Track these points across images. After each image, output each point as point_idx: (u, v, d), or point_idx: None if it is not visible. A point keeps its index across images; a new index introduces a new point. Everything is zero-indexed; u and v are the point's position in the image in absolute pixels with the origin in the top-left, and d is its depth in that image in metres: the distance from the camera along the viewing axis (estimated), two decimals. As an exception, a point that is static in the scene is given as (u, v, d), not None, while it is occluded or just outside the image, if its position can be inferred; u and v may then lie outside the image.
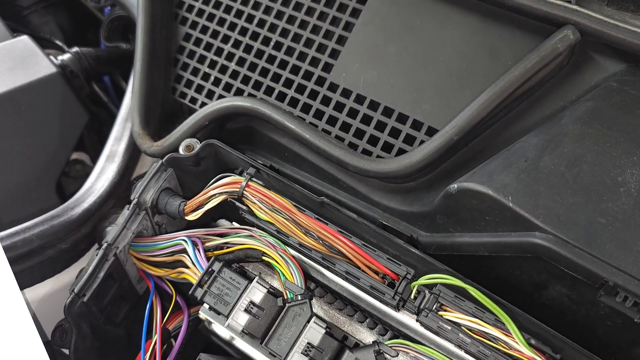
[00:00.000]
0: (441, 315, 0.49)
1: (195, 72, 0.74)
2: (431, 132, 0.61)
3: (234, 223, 0.61)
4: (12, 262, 0.51)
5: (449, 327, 0.48)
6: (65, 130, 0.82)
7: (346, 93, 0.65)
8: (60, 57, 0.91)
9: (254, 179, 0.55)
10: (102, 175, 0.68)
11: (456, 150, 0.59)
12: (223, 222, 0.62)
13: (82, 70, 0.92)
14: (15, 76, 0.81)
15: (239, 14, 0.73)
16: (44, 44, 0.94)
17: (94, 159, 0.89)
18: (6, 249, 0.50)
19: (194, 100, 0.73)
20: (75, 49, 0.94)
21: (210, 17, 0.74)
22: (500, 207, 0.51)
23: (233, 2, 0.73)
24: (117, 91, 1.08)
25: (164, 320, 0.56)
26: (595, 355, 0.50)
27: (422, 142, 0.60)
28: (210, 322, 0.56)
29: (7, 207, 0.69)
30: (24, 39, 0.87)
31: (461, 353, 0.49)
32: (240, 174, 0.57)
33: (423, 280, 0.49)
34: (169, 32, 0.75)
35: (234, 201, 0.55)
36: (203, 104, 0.72)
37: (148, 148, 0.68)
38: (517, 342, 0.46)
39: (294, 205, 0.53)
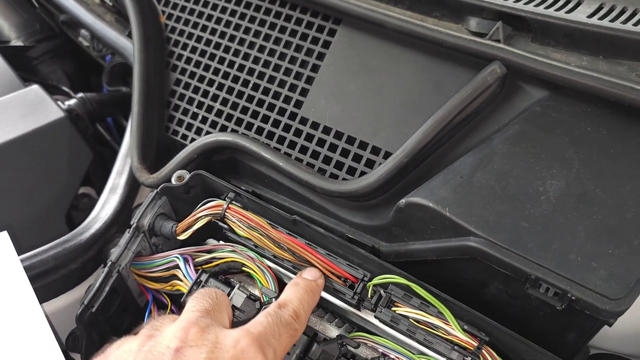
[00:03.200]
0: (393, 311, 0.58)
1: (185, 112, 0.84)
2: (388, 156, 0.70)
3: (220, 241, 0.70)
4: (32, 280, 0.60)
5: (400, 320, 0.57)
6: (72, 168, 0.90)
7: (315, 125, 0.75)
8: (67, 102, 1.01)
9: (234, 202, 0.64)
10: (106, 205, 0.78)
11: (408, 171, 0.68)
12: (211, 240, 0.71)
13: (87, 113, 1.01)
14: (28, 121, 0.90)
15: (221, 61, 0.83)
16: (52, 90, 1.04)
17: (99, 192, 0.98)
18: (26, 269, 0.59)
19: (184, 136, 0.83)
20: (80, 94, 1.04)
21: (197, 64, 0.85)
22: (440, 217, 0.60)
23: (216, 50, 0.84)
24: (119, 130, 1.18)
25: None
26: (536, 344, 0.58)
27: (380, 165, 0.70)
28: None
29: (24, 235, 0.78)
30: (35, 88, 0.97)
31: (410, 341, 0.58)
32: (223, 199, 0.67)
33: (376, 280, 0.58)
34: (161, 78, 0.86)
35: (217, 221, 0.64)
36: (192, 140, 0.82)
37: (145, 180, 0.78)
38: (453, 329, 0.54)
39: (268, 223, 0.63)
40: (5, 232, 0.62)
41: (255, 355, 0.46)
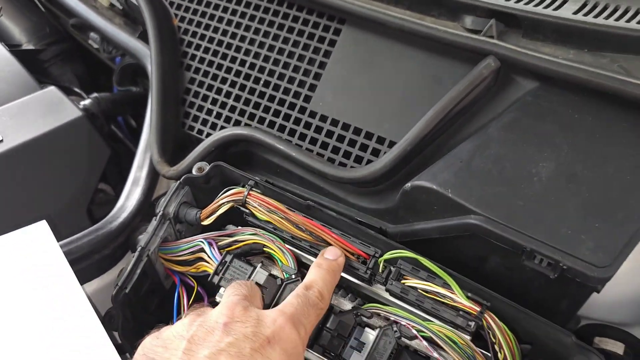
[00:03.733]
0: (403, 283, 0.64)
1: (200, 109, 0.90)
2: (392, 145, 0.75)
3: (238, 227, 0.76)
4: (71, 264, 0.65)
5: (409, 291, 0.63)
6: (92, 164, 0.95)
7: (323, 118, 0.81)
8: (82, 102, 1.06)
9: (254, 189, 0.70)
10: (131, 196, 0.83)
11: (411, 158, 0.74)
12: (230, 226, 0.76)
13: (101, 112, 1.05)
14: (48, 121, 0.94)
15: (233, 60, 0.89)
16: (66, 91, 1.07)
17: (114, 187, 1.03)
18: (66, 254, 0.65)
19: (200, 131, 0.89)
20: (94, 94, 1.09)
21: (210, 63, 0.90)
22: (443, 198, 0.66)
23: (227, 50, 0.89)
24: (129, 128, 1.23)
25: (190, 305, 0.71)
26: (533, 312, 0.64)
27: (385, 153, 0.76)
28: (225, 305, 0.70)
29: (52, 227, 0.84)
30: (52, 89, 1.01)
31: (419, 311, 0.63)
32: (242, 187, 0.73)
33: (387, 255, 0.64)
34: (176, 78, 0.91)
35: (239, 207, 0.70)
36: (208, 134, 0.88)
37: (166, 172, 0.83)
38: (458, 297, 0.60)
39: (286, 207, 0.68)
40: (44, 221, 0.67)
41: (291, 331, 0.52)
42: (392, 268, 0.65)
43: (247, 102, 0.86)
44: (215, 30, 0.91)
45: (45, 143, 0.92)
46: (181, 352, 0.50)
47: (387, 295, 0.66)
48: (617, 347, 0.78)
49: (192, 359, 0.49)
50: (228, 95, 0.88)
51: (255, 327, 0.51)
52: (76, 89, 1.18)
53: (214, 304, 0.71)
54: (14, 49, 1.21)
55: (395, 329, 0.62)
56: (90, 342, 0.59)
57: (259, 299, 0.60)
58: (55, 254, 0.64)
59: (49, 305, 0.61)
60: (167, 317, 0.71)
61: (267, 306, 0.65)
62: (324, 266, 0.62)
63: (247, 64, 0.87)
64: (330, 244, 0.66)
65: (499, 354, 0.60)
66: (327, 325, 0.64)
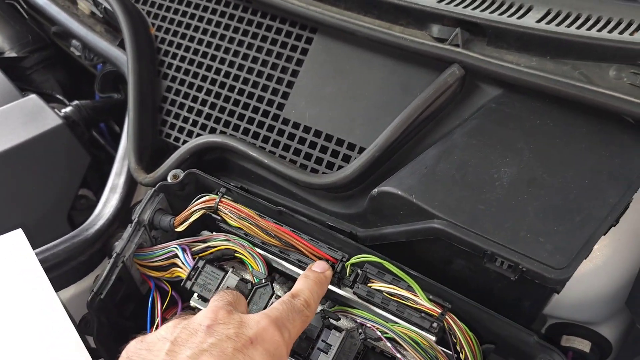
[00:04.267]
0: (369, 286, 0.66)
1: (176, 116, 0.91)
2: (362, 151, 0.77)
3: (213, 232, 0.78)
4: (45, 271, 0.67)
5: (375, 294, 0.65)
6: (72, 171, 0.96)
7: (296, 125, 0.83)
8: (63, 110, 1.06)
9: (225, 196, 0.72)
10: (108, 203, 0.85)
11: (380, 164, 0.76)
12: (205, 232, 0.78)
13: (82, 119, 1.06)
14: (28, 129, 0.95)
15: (208, 68, 0.90)
16: (47, 98, 1.08)
17: (96, 193, 1.04)
18: (41, 262, 0.67)
19: (177, 139, 0.91)
20: (75, 102, 1.09)
21: (186, 72, 0.92)
22: (408, 203, 0.68)
23: (203, 59, 0.91)
24: (112, 135, 1.24)
25: (163, 311, 0.73)
26: (497, 312, 0.66)
27: (355, 159, 0.78)
28: (199, 310, 0.72)
29: (30, 235, 0.85)
30: (33, 97, 1.02)
31: (384, 313, 0.65)
32: (216, 194, 0.74)
33: (353, 260, 0.66)
34: (153, 86, 0.93)
35: (211, 213, 0.72)
36: (184, 142, 0.89)
37: (143, 179, 0.85)
38: (421, 299, 0.63)
39: (257, 213, 0.70)
40: (20, 230, 0.69)
41: (274, 333, 0.53)
42: (359, 271, 0.67)
43: (222, 109, 0.88)
44: (192, 39, 0.93)
45: (25, 151, 0.93)
46: (164, 354, 0.51)
47: (354, 298, 0.68)
48: (584, 345, 0.81)
49: (174, 358, 0.50)
50: (204, 103, 0.90)
51: (237, 329, 0.52)
52: (58, 96, 1.19)
53: (187, 308, 0.73)
54: (-3, 57, 1.23)
55: (361, 330, 0.64)
56: (64, 348, 0.60)
57: (243, 306, 0.61)
58: (31, 262, 0.66)
59: (23, 312, 0.62)
60: (143, 321, 0.73)
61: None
62: (311, 277, 0.63)
63: (222, 73, 0.89)
64: (299, 249, 0.68)
65: (460, 354, 0.62)
66: (296, 328, 0.66)
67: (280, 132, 0.83)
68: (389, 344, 0.62)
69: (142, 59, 0.91)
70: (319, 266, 0.66)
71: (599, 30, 0.71)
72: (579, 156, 0.68)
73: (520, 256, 0.62)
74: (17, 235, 0.68)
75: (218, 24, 0.91)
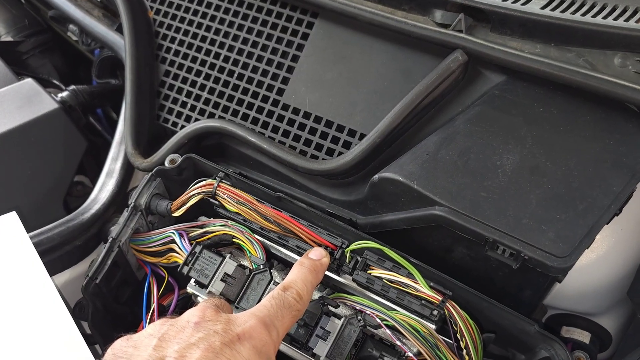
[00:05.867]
0: (369, 273, 0.65)
1: (174, 101, 0.90)
2: (362, 137, 0.76)
3: (211, 218, 0.77)
4: (40, 255, 0.66)
5: (375, 281, 0.64)
6: (68, 156, 0.94)
7: (296, 111, 0.82)
8: (60, 95, 1.05)
9: (224, 181, 0.71)
10: (104, 188, 0.84)
11: (381, 150, 0.75)
12: (202, 217, 0.77)
13: (79, 105, 1.04)
14: (24, 113, 0.93)
15: (207, 52, 0.89)
16: (44, 83, 1.07)
17: (92, 180, 1.03)
18: (35, 245, 0.66)
19: (174, 124, 0.89)
20: (72, 86, 1.08)
21: (185, 56, 0.91)
22: (409, 189, 0.67)
23: (202, 42, 0.90)
24: (109, 121, 1.23)
25: (159, 296, 0.72)
26: (498, 302, 0.66)
27: (355, 145, 0.77)
28: (196, 296, 0.71)
29: (25, 220, 0.84)
30: (29, 81, 1.01)
31: (384, 301, 0.65)
32: (214, 179, 0.73)
33: (353, 246, 0.65)
34: (151, 70, 0.91)
35: (209, 198, 0.70)
36: (182, 127, 0.88)
37: (140, 164, 0.84)
38: (421, 287, 0.62)
39: (255, 199, 0.69)
40: (14, 212, 0.68)
41: (262, 331, 0.52)
42: (358, 258, 0.66)
43: (221, 94, 0.87)
44: (190, 22, 0.91)
45: (20, 135, 0.92)
46: (151, 349, 0.50)
47: (354, 285, 0.67)
48: (584, 336, 0.80)
49: (162, 352, 0.49)
50: (202, 87, 0.88)
51: (225, 325, 0.52)
52: (54, 81, 1.18)
53: (184, 294, 0.72)
54: (-8, 41, 1.21)
55: (360, 318, 0.63)
56: (58, 332, 0.59)
57: (229, 311, 0.59)
58: (25, 245, 0.65)
59: (17, 297, 0.61)
60: (139, 307, 0.72)
61: (236, 296, 0.66)
62: (306, 265, 0.62)
63: (222, 57, 0.88)
64: (298, 235, 0.67)
65: (461, 342, 0.62)
66: (295, 315, 0.65)
67: (280, 118, 0.82)
68: (388, 331, 0.61)
69: (140, 43, 0.90)
70: (316, 253, 0.65)
71: (605, 17, 0.70)
72: (582, 144, 0.67)
73: (522, 244, 0.62)
74: (11, 218, 0.67)
75: (218, 8, 0.90)
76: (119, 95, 1.03)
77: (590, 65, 0.70)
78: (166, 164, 0.76)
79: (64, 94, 1.06)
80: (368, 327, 0.63)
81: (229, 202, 0.69)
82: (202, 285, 0.67)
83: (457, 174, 0.67)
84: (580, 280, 0.75)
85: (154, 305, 0.70)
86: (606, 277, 0.75)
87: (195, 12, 0.91)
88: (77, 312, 0.67)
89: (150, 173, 0.75)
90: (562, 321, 0.82)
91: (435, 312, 0.62)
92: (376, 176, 0.70)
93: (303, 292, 0.59)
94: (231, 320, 0.53)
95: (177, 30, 0.92)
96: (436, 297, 0.61)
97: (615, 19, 0.69)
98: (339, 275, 0.67)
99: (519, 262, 0.62)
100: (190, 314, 0.53)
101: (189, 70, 0.90)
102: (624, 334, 0.80)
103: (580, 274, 0.72)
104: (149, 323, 0.69)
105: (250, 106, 0.85)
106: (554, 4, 0.73)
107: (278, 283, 0.66)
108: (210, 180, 0.71)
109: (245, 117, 0.85)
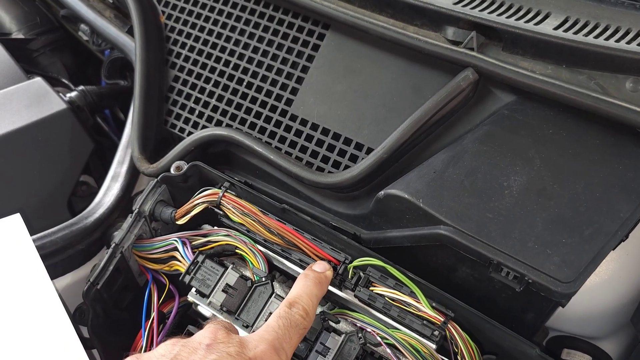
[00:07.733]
0: (371, 290, 0.64)
1: (182, 107, 0.90)
2: (370, 151, 0.76)
3: (214, 227, 0.77)
4: (42, 258, 0.66)
5: (377, 298, 0.64)
6: (74, 157, 0.94)
7: (303, 122, 0.82)
8: (68, 95, 1.05)
9: (229, 191, 0.71)
10: (109, 192, 0.84)
11: (387, 166, 0.74)
12: (206, 226, 0.77)
13: (87, 105, 1.05)
14: (32, 112, 0.93)
15: (217, 59, 0.89)
16: (53, 82, 1.07)
17: (98, 180, 1.03)
18: (37, 249, 0.65)
19: (182, 130, 0.89)
20: (81, 87, 1.08)
21: (194, 62, 0.91)
22: (415, 207, 0.66)
23: (212, 49, 0.90)
24: (116, 122, 1.23)
25: (160, 304, 0.71)
26: (500, 323, 0.65)
27: (362, 159, 0.77)
28: (197, 305, 0.71)
29: (29, 220, 0.84)
30: (38, 80, 1.01)
31: (385, 318, 0.64)
32: (219, 188, 0.73)
33: (356, 262, 0.65)
34: (160, 75, 0.91)
35: (214, 208, 0.70)
36: (189, 133, 0.88)
37: (145, 169, 0.84)
38: (423, 306, 0.61)
39: (260, 210, 0.69)
40: (18, 215, 0.68)
41: (272, 357, 0.52)
42: (361, 274, 0.66)
43: (229, 102, 0.87)
44: (202, 29, 0.91)
45: (27, 134, 0.92)
46: None
47: (355, 301, 0.66)
48: (585, 360, 0.80)
49: None
50: (211, 94, 0.88)
51: (238, 348, 0.51)
52: (64, 80, 1.18)
53: (185, 302, 0.71)
54: (3, 38, 1.21)
55: (360, 335, 0.62)
56: (57, 336, 0.59)
57: (236, 333, 0.58)
58: (27, 248, 0.65)
59: (17, 300, 0.61)
60: (139, 314, 0.72)
61: (237, 308, 0.65)
62: (311, 277, 0.62)
63: (231, 65, 0.88)
64: (302, 249, 0.67)
65: (461, 364, 0.61)
66: (295, 329, 0.65)
67: (288, 128, 0.82)
68: (388, 350, 0.61)
69: (150, 47, 0.90)
70: (320, 266, 0.65)
71: (617, 40, 0.70)
72: (591, 168, 0.67)
73: (527, 267, 0.61)
74: (15, 220, 0.67)
75: (229, 15, 0.90)
76: (127, 97, 1.03)
77: (601, 88, 0.69)
78: (172, 170, 0.76)
79: (73, 94, 1.06)
80: (368, 345, 0.63)
81: (234, 212, 0.69)
82: (203, 295, 0.67)
83: (463, 193, 0.66)
84: (584, 304, 0.75)
85: (154, 313, 0.70)
86: (610, 302, 0.74)
87: (207, 19, 0.91)
88: (77, 317, 0.67)
89: (156, 180, 0.75)
90: (564, 343, 0.81)
91: (436, 333, 0.61)
92: (382, 192, 0.69)
93: (309, 307, 0.59)
94: (243, 344, 0.52)
95: (188, 36, 0.92)
96: (438, 318, 0.61)
97: (629, 42, 0.69)
98: (341, 291, 0.67)
99: (522, 285, 0.62)
100: (202, 336, 0.53)
101: (198, 76, 0.90)
102: (627, 359, 0.79)
103: (583, 297, 0.72)
104: (148, 331, 0.69)
105: (258, 115, 0.85)
106: (566, 26, 0.73)
107: (280, 296, 0.66)
108: (215, 190, 0.71)
109: (252, 126, 0.84)
